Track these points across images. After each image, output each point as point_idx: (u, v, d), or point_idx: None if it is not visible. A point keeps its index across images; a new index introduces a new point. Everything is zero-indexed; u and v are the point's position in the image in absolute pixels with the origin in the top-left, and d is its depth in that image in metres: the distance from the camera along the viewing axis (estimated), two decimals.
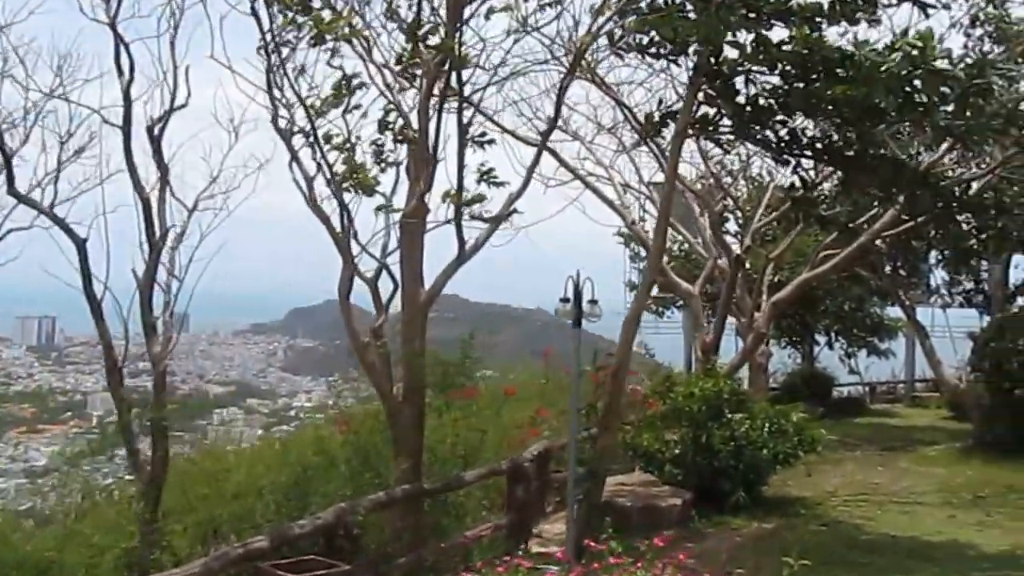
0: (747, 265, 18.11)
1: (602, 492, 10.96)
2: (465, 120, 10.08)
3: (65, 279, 10.10)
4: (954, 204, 10.39)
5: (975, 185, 13.64)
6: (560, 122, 17.48)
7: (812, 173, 16.05)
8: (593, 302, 10.46)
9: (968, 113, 9.66)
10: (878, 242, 22.32)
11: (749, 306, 17.87)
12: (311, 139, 9.34)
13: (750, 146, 17.57)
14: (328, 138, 9.45)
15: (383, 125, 9.74)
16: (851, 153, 10.81)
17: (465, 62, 9.43)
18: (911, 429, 22.63)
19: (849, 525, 12.28)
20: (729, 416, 13.13)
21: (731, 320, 20.05)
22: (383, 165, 10.56)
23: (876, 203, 13.84)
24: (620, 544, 10.33)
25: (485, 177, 9.95)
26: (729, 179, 20.33)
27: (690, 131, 11.51)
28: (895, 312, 25.70)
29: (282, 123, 9.77)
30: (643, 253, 24.76)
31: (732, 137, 11.38)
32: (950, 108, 9.78)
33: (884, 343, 26.55)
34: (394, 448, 10.11)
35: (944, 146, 14.83)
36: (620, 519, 11.27)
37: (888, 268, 21.87)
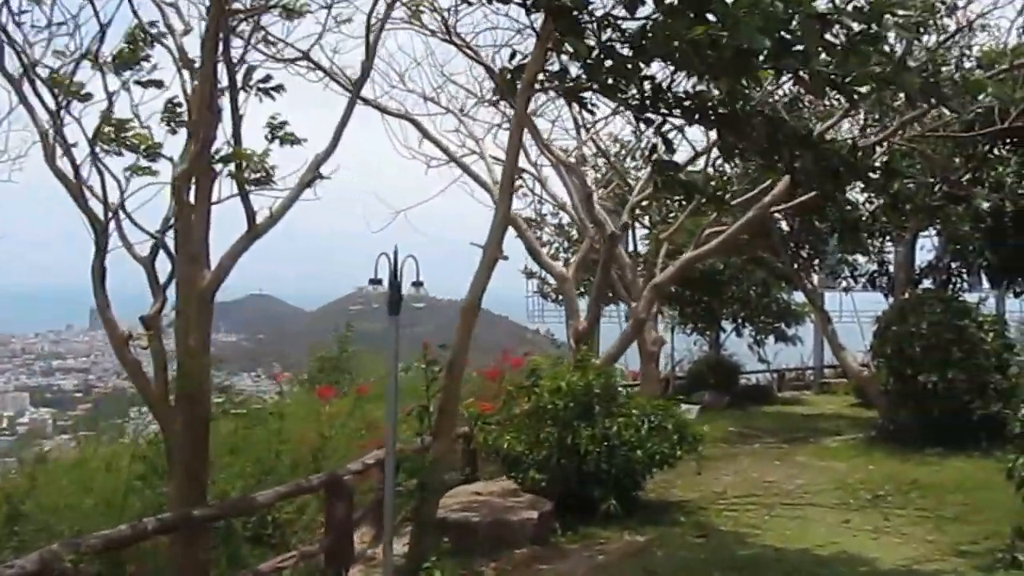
0: (636, 247, 16.41)
1: (436, 507, 9.07)
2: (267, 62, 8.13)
3: None
4: (840, 168, 8.70)
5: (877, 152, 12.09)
6: (433, 93, 15.67)
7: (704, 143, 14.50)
8: (418, 284, 8.54)
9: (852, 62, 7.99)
10: (783, 224, 20.98)
11: (640, 289, 16.12)
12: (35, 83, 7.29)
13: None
14: (58, 82, 7.40)
15: (124, 60, 7.69)
16: (724, 111, 9.05)
17: None
18: (816, 418, 21.21)
19: (731, 535, 10.55)
20: (600, 414, 11.36)
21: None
22: (173, 124, 8.59)
23: (756, 169, 12.15)
24: (448, 572, 8.54)
25: (275, 132, 8.00)
26: (624, 153, 18.60)
27: (541, 84, 9.70)
28: (803, 297, 24.34)
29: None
30: (544, 237, 23.07)
31: (595, 93, 9.54)
32: (834, 57, 8.10)
33: (791, 329, 25.13)
34: (168, 466, 8.09)
35: (838, 113, 13.32)
36: (463, 538, 9.49)
37: (790, 250, 20.26)
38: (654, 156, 9.04)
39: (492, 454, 11.96)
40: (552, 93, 12.57)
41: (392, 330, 8.34)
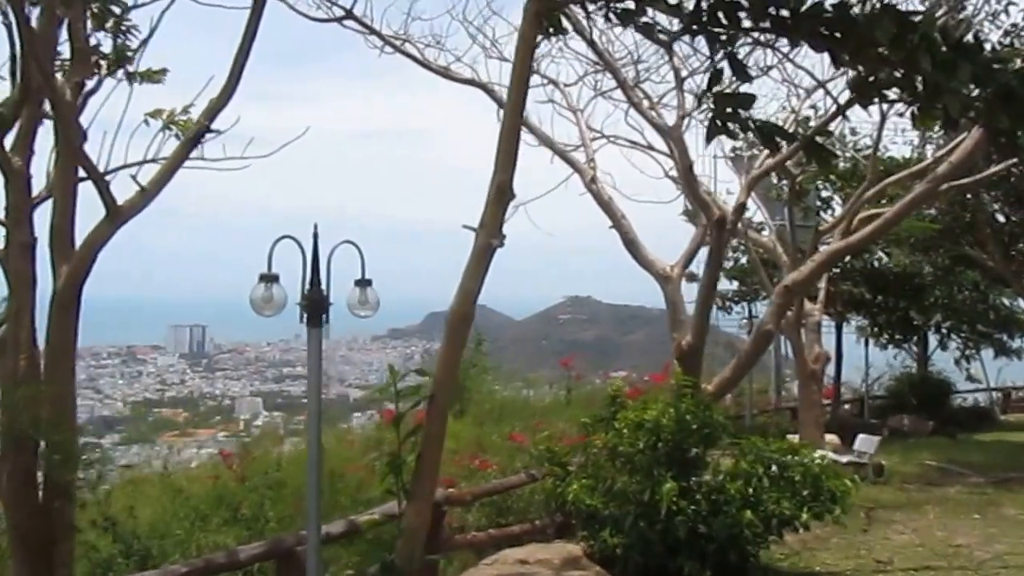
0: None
1: None
2: None
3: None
4: (1016, 87, 5.17)
5: None
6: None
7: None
8: (365, 283, 5.79)
9: None
10: (1000, 215, 16.50)
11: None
12: None
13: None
14: None
15: None
16: (830, 15, 5.66)
17: None
18: None
19: None
20: (697, 459, 8.11)
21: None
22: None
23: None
24: None
25: (120, 62, 5.51)
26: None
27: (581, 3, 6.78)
28: None
29: None
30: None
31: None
32: None
33: (1015, 340, 20.16)
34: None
35: None
36: None
37: (1004, 244, 15.69)
38: (715, 88, 5.74)
39: (560, 508, 8.93)
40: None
41: (313, 345, 5.64)
